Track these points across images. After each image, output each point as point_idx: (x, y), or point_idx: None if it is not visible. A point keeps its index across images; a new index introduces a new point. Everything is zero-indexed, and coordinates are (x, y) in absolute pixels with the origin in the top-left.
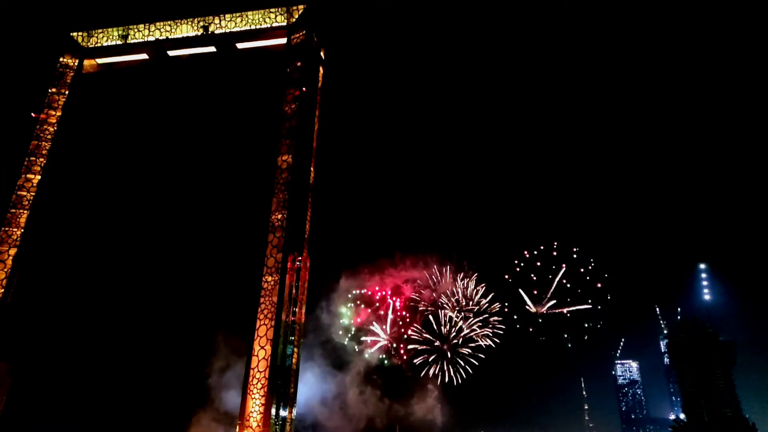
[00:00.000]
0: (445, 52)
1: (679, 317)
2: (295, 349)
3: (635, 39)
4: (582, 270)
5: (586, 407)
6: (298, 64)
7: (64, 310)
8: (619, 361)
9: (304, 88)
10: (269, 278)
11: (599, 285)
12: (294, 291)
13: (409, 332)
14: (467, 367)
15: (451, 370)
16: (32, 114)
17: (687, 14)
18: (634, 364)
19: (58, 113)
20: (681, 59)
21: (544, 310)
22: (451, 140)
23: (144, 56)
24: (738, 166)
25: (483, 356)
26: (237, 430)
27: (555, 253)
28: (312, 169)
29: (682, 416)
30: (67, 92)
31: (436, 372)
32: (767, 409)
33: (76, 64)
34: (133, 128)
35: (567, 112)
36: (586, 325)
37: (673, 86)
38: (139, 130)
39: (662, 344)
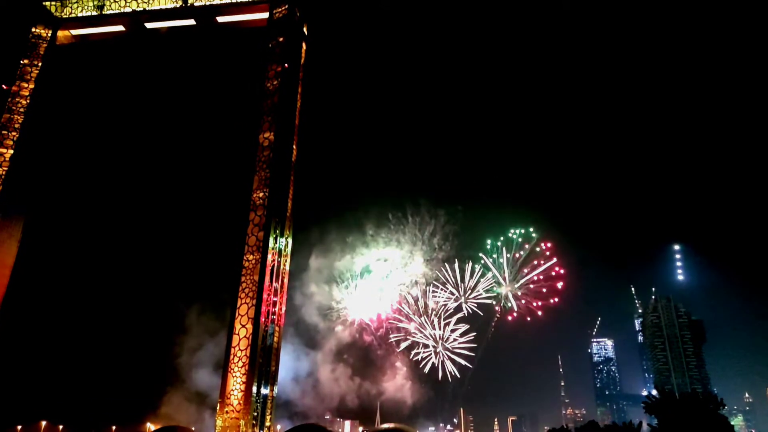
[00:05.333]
0: (428, 30)
1: (653, 297)
2: (277, 328)
3: (608, 23)
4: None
5: (562, 383)
6: (281, 39)
7: (39, 285)
8: (594, 340)
9: (286, 65)
10: (250, 257)
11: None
12: (276, 269)
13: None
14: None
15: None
16: (2, 86)
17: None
18: (610, 342)
19: (31, 85)
20: (651, 45)
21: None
22: (433, 117)
23: (120, 28)
24: (711, 152)
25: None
26: (218, 407)
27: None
28: (294, 146)
29: (654, 392)
30: (40, 64)
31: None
32: (736, 385)
33: (49, 35)
34: (110, 102)
35: (547, 92)
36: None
37: (646, 72)
38: (115, 105)
39: (637, 323)
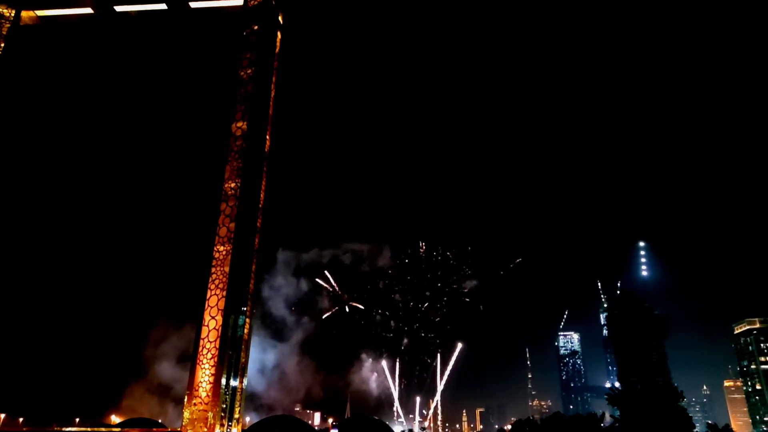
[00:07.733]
0: (404, 20)
1: (618, 292)
2: (247, 320)
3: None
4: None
5: (529, 376)
6: (255, 27)
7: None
8: (561, 333)
9: (260, 53)
10: (221, 248)
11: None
12: (246, 261)
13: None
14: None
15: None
16: None
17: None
18: (576, 336)
19: None
20: (603, 51)
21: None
22: (409, 110)
23: (88, 10)
24: (674, 151)
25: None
26: (186, 399)
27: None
28: (268, 136)
29: (617, 384)
30: (3, 45)
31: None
32: (695, 378)
33: (12, 15)
34: (77, 87)
35: (520, 88)
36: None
37: (605, 70)
38: (82, 90)
39: (602, 317)
